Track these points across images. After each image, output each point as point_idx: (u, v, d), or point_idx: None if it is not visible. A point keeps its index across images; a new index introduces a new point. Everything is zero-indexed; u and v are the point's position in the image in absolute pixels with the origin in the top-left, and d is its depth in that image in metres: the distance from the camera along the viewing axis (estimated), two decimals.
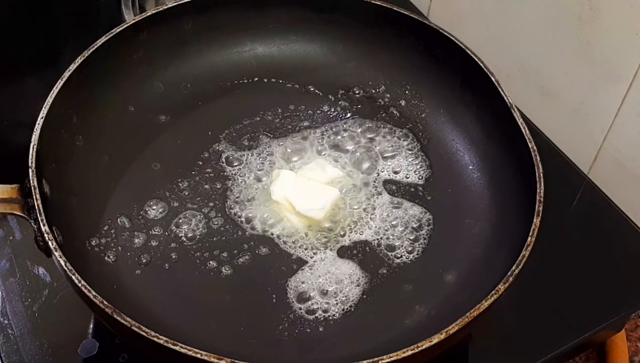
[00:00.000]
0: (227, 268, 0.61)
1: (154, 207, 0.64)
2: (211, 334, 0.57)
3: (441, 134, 0.71)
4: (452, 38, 0.68)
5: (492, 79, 0.65)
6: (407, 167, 0.69)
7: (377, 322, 0.59)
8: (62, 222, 0.56)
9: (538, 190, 0.58)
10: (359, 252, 0.63)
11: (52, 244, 0.52)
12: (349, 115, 0.73)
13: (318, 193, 0.65)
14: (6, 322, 0.62)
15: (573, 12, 0.75)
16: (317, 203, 0.64)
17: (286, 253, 0.62)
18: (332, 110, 0.73)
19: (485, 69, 0.66)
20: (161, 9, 0.69)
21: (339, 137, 0.71)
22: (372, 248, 0.63)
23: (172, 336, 0.48)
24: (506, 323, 0.63)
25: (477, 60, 0.66)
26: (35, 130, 0.57)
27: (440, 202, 0.67)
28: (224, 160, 0.69)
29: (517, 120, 0.62)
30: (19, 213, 0.55)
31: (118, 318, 0.49)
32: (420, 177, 0.68)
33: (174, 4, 0.69)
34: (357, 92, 0.75)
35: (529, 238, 0.54)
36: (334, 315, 0.59)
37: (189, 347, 0.47)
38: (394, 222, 0.65)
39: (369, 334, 0.58)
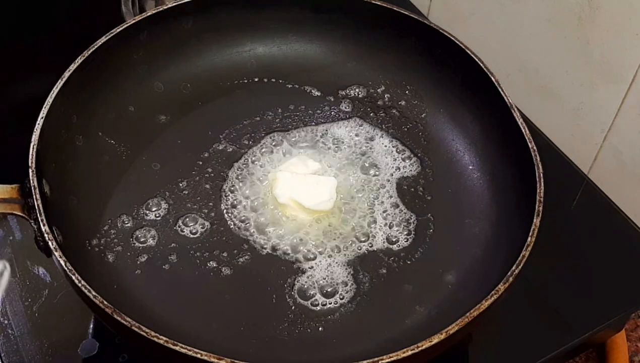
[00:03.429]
0: (227, 269, 0.61)
1: (154, 207, 0.64)
2: (211, 334, 0.57)
3: (441, 134, 0.71)
4: (452, 38, 0.68)
5: (492, 79, 0.65)
6: (407, 167, 0.69)
7: (377, 322, 0.59)
8: (62, 222, 0.56)
9: (538, 190, 0.57)
10: (359, 252, 0.63)
11: (52, 244, 0.52)
12: (348, 115, 0.73)
13: (319, 186, 0.65)
14: (6, 322, 0.62)
15: (573, 12, 0.75)
16: (324, 196, 0.64)
17: (286, 253, 0.62)
18: (332, 110, 0.73)
19: (485, 69, 0.66)
20: (161, 9, 0.69)
21: (339, 137, 0.71)
22: (372, 248, 0.63)
23: (172, 336, 0.48)
24: (506, 323, 0.63)
25: (477, 60, 0.66)
26: (35, 130, 0.57)
27: (440, 202, 0.67)
28: (224, 160, 0.69)
29: (517, 120, 0.62)
30: (19, 213, 0.55)
31: (118, 318, 0.49)
32: (421, 177, 0.68)
33: (174, 4, 0.69)
34: (357, 92, 0.75)
35: (529, 238, 0.54)
36: (334, 315, 0.59)
37: (189, 347, 0.47)
38: (393, 222, 0.65)
39: (369, 334, 0.58)
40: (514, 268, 0.53)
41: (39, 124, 0.58)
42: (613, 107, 0.75)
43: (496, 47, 0.85)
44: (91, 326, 0.61)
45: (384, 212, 0.66)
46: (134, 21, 0.68)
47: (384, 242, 0.64)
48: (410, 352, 0.48)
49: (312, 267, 0.61)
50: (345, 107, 0.74)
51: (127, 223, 0.63)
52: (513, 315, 0.63)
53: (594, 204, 0.74)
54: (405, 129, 0.72)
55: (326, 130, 0.72)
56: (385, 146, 0.71)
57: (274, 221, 0.64)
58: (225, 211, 0.65)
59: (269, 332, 0.58)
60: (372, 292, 0.60)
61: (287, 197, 0.64)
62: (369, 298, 0.60)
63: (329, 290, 0.60)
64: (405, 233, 0.64)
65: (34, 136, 0.57)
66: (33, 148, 0.56)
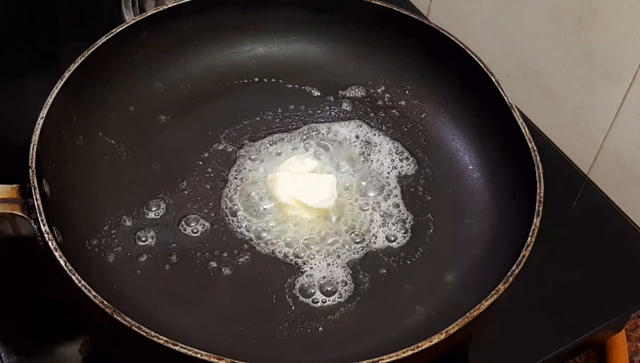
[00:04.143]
0: (227, 269, 0.61)
1: (154, 207, 0.64)
2: (211, 334, 0.57)
3: (441, 134, 0.71)
4: (452, 38, 0.68)
5: (492, 79, 0.65)
6: (407, 167, 0.69)
7: (377, 322, 0.59)
8: (62, 222, 0.56)
9: (538, 190, 0.58)
10: (359, 252, 0.63)
11: (52, 244, 0.52)
12: (348, 115, 0.73)
13: (319, 185, 0.65)
14: None
15: (573, 12, 0.75)
16: (325, 193, 0.64)
17: (286, 254, 0.62)
18: (332, 110, 0.73)
19: (485, 69, 0.66)
20: (161, 9, 0.69)
21: (339, 137, 0.71)
22: (372, 248, 0.63)
23: (172, 336, 0.48)
24: (506, 323, 0.63)
25: (477, 60, 0.66)
26: (35, 130, 0.57)
27: (440, 202, 0.67)
28: (224, 160, 0.69)
29: (517, 120, 0.62)
30: (19, 213, 0.55)
31: (118, 318, 0.49)
32: (421, 177, 0.68)
33: (174, 4, 0.69)
34: (357, 92, 0.75)
35: (529, 238, 0.55)
36: (333, 315, 0.59)
37: (189, 347, 0.47)
38: (393, 222, 0.65)
39: (369, 334, 0.58)
40: (514, 268, 0.53)
41: (39, 124, 0.58)
42: (613, 107, 0.75)
43: (496, 47, 0.85)
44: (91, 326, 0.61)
45: (384, 212, 0.65)
46: (134, 21, 0.68)
47: (384, 242, 0.64)
48: (410, 352, 0.49)
49: (312, 267, 0.61)
50: (346, 107, 0.74)
51: (127, 223, 0.63)
52: (513, 315, 0.63)
53: (594, 204, 0.74)
54: (405, 129, 0.72)
55: (326, 130, 0.72)
56: (385, 146, 0.71)
57: (274, 221, 0.64)
58: (225, 211, 0.65)
59: (269, 332, 0.58)
60: (372, 291, 0.60)
61: (289, 197, 0.64)
62: (368, 298, 0.60)
63: (328, 289, 0.60)
64: (405, 233, 0.64)
65: (34, 136, 0.57)
66: (33, 148, 0.56)
